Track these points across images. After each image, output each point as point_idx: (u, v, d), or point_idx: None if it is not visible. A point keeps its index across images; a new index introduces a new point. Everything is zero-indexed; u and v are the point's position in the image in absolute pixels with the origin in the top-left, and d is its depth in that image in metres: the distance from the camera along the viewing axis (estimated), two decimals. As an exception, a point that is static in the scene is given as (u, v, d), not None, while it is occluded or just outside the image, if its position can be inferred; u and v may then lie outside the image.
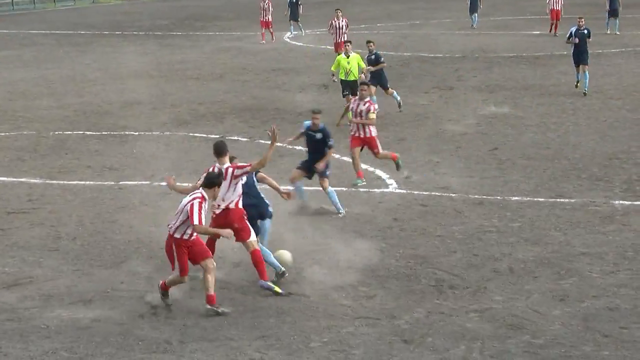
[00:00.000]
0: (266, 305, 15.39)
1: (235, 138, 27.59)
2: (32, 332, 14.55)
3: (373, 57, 30.53)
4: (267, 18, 50.05)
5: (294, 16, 52.26)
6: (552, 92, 33.83)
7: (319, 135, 20.43)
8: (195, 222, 14.72)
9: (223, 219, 15.97)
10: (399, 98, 31.06)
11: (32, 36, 56.88)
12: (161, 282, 15.43)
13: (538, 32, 50.70)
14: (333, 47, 40.14)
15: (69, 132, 29.23)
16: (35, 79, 40.23)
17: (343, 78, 29.88)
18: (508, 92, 34.01)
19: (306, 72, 39.18)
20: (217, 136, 28.09)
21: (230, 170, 16.03)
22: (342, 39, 39.01)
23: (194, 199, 14.87)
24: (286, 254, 16.74)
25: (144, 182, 23.01)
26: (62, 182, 23.36)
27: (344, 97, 29.66)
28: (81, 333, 14.49)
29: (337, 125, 24.02)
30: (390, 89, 31.00)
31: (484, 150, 25.62)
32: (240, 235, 15.91)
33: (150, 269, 17.03)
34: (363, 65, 29.96)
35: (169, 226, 15.11)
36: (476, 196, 21.34)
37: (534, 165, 23.81)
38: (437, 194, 21.63)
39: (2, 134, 29.31)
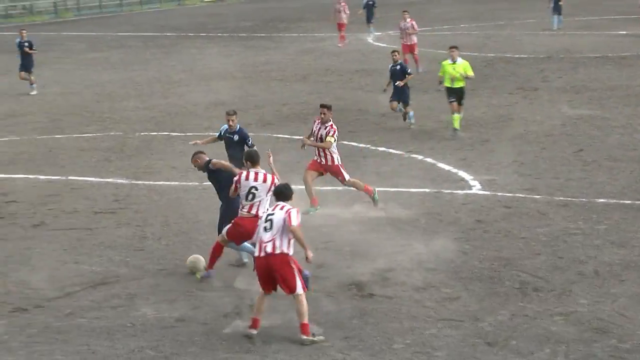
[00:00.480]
0: (349, 307, 15.36)
1: (319, 139, 27.57)
2: (119, 331, 14.70)
3: (398, 67, 28.90)
4: (340, 20, 50.03)
5: (369, 18, 52.26)
6: (639, 92, 33.31)
7: (236, 137, 20.02)
8: (295, 223, 14.08)
9: (250, 223, 15.89)
10: (413, 120, 29.04)
11: (119, 38, 57.62)
12: (253, 317, 14.40)
13: (624, 32, 49.97)
14: (403, 49, 39.28)
15: (155, 133, 29.52)
16: (122, 81, 40.73)
17: (448, 85, 27.36)
18: (594, 93, 33.57)
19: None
20: (300, 137, 28.14)
21: (270, 177, 16.32)
22: (410, 41, 38.62)
23: (291, 208, 14.30)
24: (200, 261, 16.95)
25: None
26: (147, 182, 23.60)
27: (450, 103, 27.55)
28: (166, 332, 14.61)
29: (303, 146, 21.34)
30: (409, 107, 29.10)
31: (569, 151, 25.30)
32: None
33: (234, 269, 17.09)
34: (471, 73, 27.46)
35: (264, 249, 14.12)
36: (561, 198, 21.09)
37: (620, 167, 23.45)
38: (521, 195, 21.42)
39: (90, 135, 29.71)
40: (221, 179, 17.16)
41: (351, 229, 19.25)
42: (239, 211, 16.47)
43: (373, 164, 24.79)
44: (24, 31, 39.12)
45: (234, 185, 16.45)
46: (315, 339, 14.07)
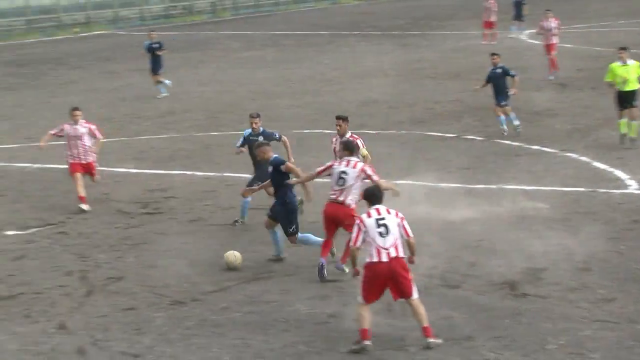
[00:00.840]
0: (501, 306, 15.19)
1: (471, 137, 27.39)
2: (273, 325, 14.87)
3: (499, 70, 27.48)
4: (489, 18, 49.52)
5: (518, 16, 51.58)
6: None
7: (260, 139, 19.61)
8: (412, 234, 14.13)
9: (336, 209, 16.51)
10: (505, 126, 27.38)
11: (274, 37, 58.25)
12: (365, 328, 13.91)
13: None
14: (545, 50, 38.44)
15: (308, 131, 29.74)
16: (276, 79, 41.17)
17: (620, 88, 25.30)
18: None
19: (543, 70, 38.41)
20: (453, 135, 28.04)
21: (360, 165, 16.75)
22: (552, 41, 37.79)
23: (402, 218, 14.19)
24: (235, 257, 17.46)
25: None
26: (301, 179, 23.71)
27: (620, 110, 25.49)
28: (319, 328, 14.70)
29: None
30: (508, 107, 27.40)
31: None
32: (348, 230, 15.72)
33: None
34: None
35: (387, 254, 13.81)
36: None
37: None
38: (679, 195, 20.86)
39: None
40: (278, 180, 17.55)
41: (503, 227, 19.03)
42: (329, 196, 16.93)
43: (526, 162, 24.47)
44: (153, 33, 39.09)
45: (324, 167, 17.15)
46: (439, 341, 13.87)
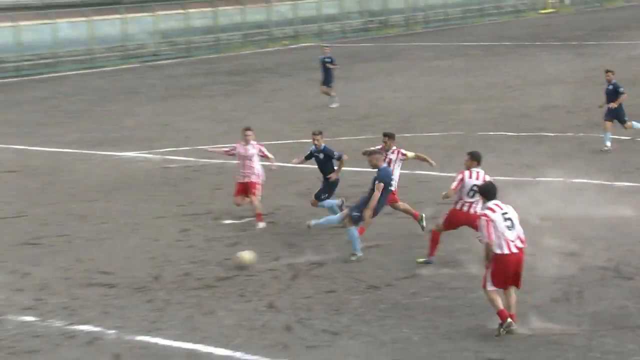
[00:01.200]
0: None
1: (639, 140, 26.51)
2: (458, 309, 14.81)
3: (610, 87, 26.13)
4: None
5: None
6: None
7: (321, 156, 19.44)
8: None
9: (468, 217, 16.29)
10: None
11: (461, 47, 57.79)
12: (501, 309, 13.70)
13: None
14: None
15: (492, 133, 29.43)
16: (463, 86, 40.86)
17: None
18: None
19: None
20: (628, 138, 27.22)
21: (488, 178, 16.24)
22: None
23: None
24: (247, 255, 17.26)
25: (557, 179, 22.68)
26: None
27: None
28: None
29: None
30: (628, 122, 26.17)
31: None
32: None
33: (564, 258, 16.74)
34: None
35: (515, 246, 13.63)
36: None
37: None
38: None
39: (435, 134, 30.05)
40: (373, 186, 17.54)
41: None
42: (458, 204, 16.71)
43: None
44: (326, 48, 38.45)
45: (456, 182, 16.63)
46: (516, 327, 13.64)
